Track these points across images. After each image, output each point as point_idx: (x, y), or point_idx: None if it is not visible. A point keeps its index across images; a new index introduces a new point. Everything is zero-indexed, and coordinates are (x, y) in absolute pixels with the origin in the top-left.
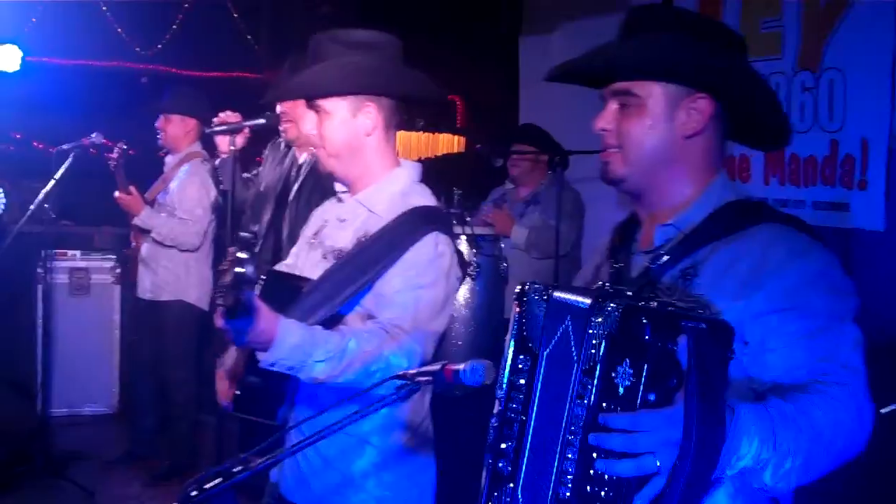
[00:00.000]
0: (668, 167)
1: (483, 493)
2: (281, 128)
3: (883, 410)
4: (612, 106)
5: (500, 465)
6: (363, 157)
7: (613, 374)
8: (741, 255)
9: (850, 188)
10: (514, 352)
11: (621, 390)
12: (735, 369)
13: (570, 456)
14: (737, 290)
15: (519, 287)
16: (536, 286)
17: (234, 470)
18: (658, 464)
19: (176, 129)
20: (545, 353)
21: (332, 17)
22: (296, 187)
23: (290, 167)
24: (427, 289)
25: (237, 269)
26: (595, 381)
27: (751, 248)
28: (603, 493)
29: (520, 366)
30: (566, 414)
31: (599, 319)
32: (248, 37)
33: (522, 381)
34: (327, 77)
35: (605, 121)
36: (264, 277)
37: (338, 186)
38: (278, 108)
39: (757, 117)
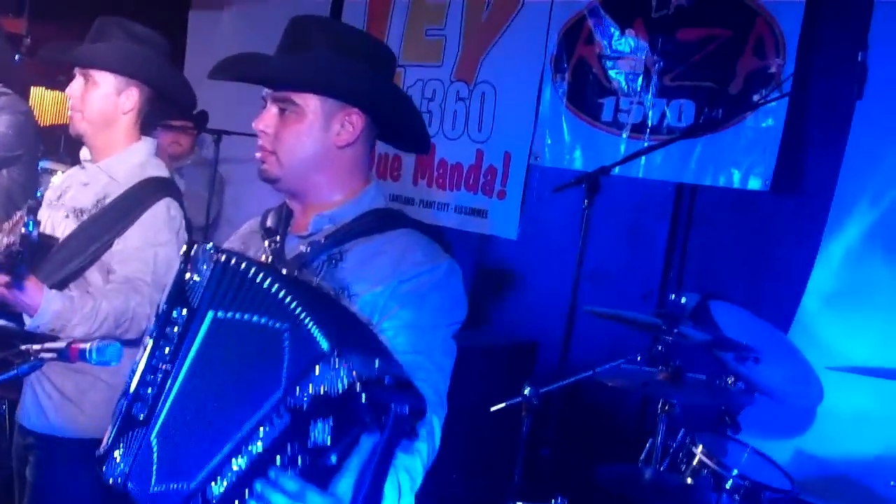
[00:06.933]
0: (319, 172)
1: (111, 436)
2: None
3: (493, 408)
4: (273, 110)
5: (135, 409)
6: (114, 130)
7: (312, 422)
8: (383, 250)
9: (490, 197)
10: (168, 303)
11: (310, 442)
12: None
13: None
14: (376, 279)
15: (189, 246)
16: (211, 248)
17: None
18: None
19: None
20: (215, 314)
21: None
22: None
23: None
24: (163, 246)
25: (23, 231)
26: (289, 421)
27: (391, 246)
28: None
29: (174, 316)
30: (255, 405)
31: (330, 372)
32: None
33: (176, 331)
34: (111, 55)
35: (264, 123)
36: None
37: (83, 154)
38: None
39: (402, 128)
